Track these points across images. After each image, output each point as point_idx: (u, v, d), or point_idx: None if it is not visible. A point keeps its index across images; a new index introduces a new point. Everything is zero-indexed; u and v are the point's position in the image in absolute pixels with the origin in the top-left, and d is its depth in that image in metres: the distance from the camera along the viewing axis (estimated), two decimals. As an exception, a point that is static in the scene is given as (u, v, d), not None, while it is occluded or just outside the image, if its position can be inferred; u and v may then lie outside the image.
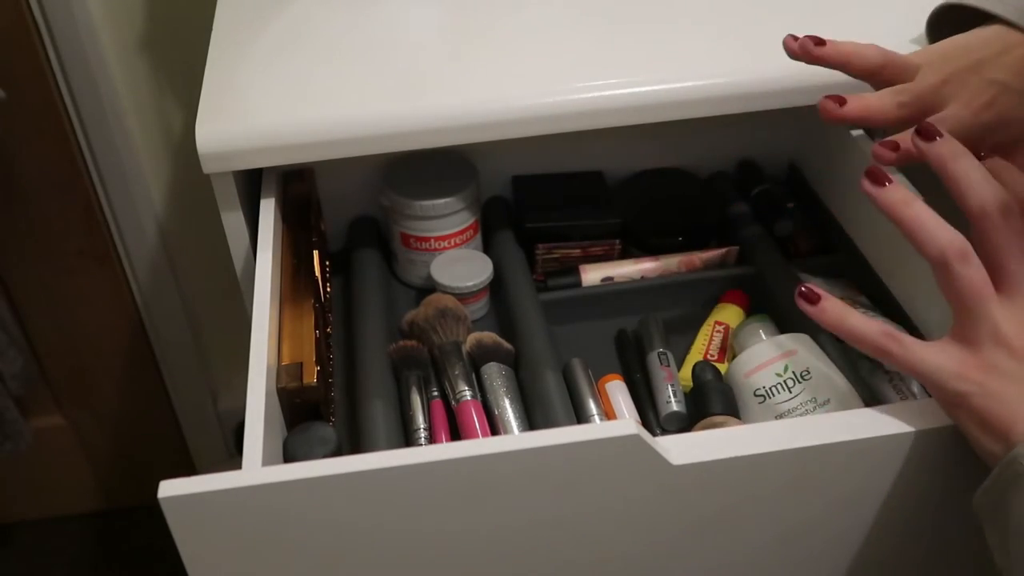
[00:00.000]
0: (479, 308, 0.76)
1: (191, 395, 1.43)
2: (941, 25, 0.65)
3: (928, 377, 0.48)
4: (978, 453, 0.47)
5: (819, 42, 0.62)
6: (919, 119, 0.56)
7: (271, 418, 0.53)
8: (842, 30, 0.63)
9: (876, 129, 0.77)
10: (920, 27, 0.70)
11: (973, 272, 0.47)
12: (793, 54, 0.62)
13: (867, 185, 0.50)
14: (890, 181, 0.50)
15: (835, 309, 0.51)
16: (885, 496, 0.52)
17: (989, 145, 0.60)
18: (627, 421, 0.46)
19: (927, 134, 0.50)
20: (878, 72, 0.61)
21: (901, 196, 0.49)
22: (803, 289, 0.52)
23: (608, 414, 0.66)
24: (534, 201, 0.81)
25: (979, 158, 0.52)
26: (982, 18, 0.61)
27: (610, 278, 0.77)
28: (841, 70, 0.62)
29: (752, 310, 0.75)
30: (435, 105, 0.67)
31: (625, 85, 0.67)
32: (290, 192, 0.73)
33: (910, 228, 0.48)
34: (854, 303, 0.71)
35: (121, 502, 1.51)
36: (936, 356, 0.47)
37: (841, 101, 0.60)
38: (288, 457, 0.55)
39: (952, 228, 0.48)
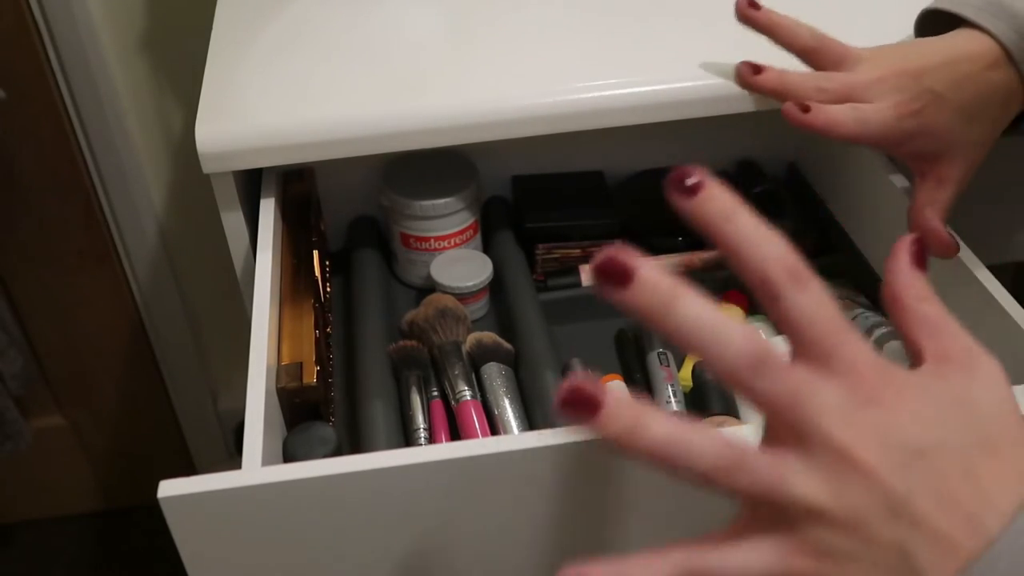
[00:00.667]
0: (479, 308, 0.76)
1: (191, 395, 1.43)
2: (926, 28, 0.65)
3: None
4: None
5: (753, 4, 0.62)
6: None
7: (271, 418, 0.53)
8: (840, 33, 0.63)
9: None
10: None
11: (757, 469, 0.33)
12: (736, 13, 0.63)
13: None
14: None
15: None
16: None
17: (907, 152, 0.60)
18: (627, 421, 0.46)
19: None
20: (809, 53, 0.61)
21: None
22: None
23: (608, 414, 0.66)
24: (534, 201, 0.81)
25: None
26: (960, 23, 0.60)
27: (610, 278, 0.77)
28: (769, 38, 0.62)
29: (752, 310, 0.75)
30: (435, 105, 0.67)
31: (625, 85, 0.67)
32: (290, 192, 0.73)
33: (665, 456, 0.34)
34: (854, 303, 0.71)
35: (121, 502, 1.51)
36: (754, 560, 0.34)
37: (757, 69, 0.60)
38: (288, 457, 0.55)
39: (711, 438, 0.33)
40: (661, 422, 0.33)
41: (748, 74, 0.61)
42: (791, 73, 0.60)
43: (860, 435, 0.33)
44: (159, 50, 1.10)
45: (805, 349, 0.34)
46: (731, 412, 0.64)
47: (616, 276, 0.32)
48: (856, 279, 0.74)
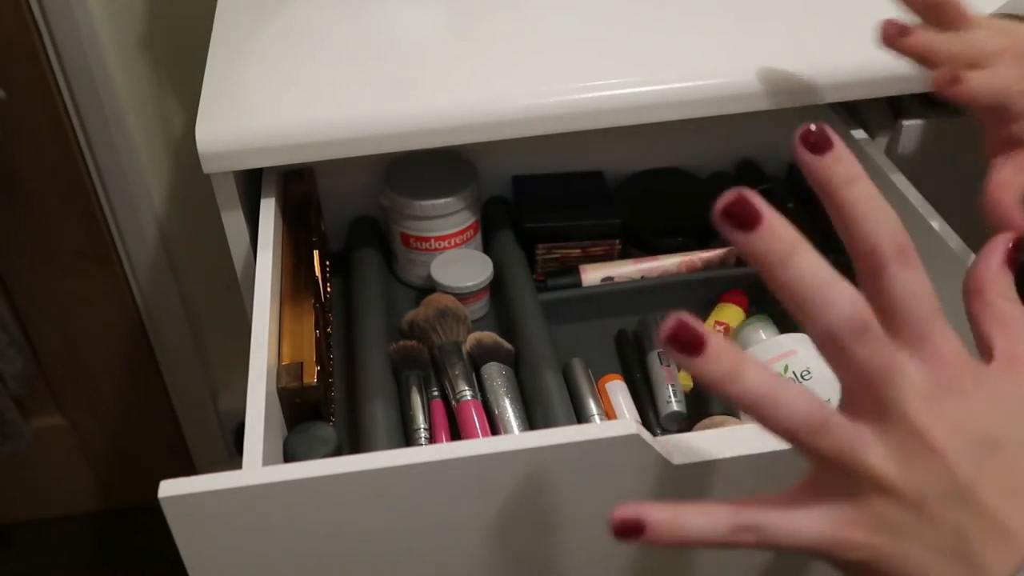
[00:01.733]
0: (479, 308, 0.76)
1: (191, 395, 1.43)
2: None
3: (806, 551, 0.36)
4: None
5: None
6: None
7: (271, 418, 0.53)
8: (841, 32, 0.63)
9: (878, 129, 0.77)
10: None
11: (839, 434, 0.34)
12: None
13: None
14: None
15: (667, 525, 0.35)
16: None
17: (1007, 132, 0.57)
18: (627, 421, 0.46)
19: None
20: (931, 8, 0.59)
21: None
22: (620, 521, 0.35)
23: (608, 414, 0.66)
24: (534, 201, 0.81)
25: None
26: None
27: (610, 278, 0.77)
28: None
29: (752, 310, 0.75)
30: (435, 105, 0.67)
31: (625, 85, 0.67)
32: (290, 192, 0.73)
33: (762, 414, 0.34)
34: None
35: (121, 502, 1.51)
36: (806, 525, 0.35)
37: (904, 30, 0.58)
38: (288, 457, 0.55)
39: (802, 396, 0.34)
40: (757, 373, 0.33)
41: (895, 35, 0.58)
42: (933, 36, 0.58)
43: (937, 419, 0.34)
44: (159, 50, 1.10)
45: (899, 327, 0.35)
46: (731, 412, 0.64)
47: (742, 218, 0.33)
48: (856, 279, 0.74)
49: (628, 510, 0.35)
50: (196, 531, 0.45)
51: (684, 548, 0.37)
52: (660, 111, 0.68)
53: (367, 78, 0.69)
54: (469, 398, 0.65)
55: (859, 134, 0.74)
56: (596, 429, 0.46)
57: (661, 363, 0.69)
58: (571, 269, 0.78)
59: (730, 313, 0.74)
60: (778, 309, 0.73)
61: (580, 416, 0.64)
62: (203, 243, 1.25)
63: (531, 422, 0.65)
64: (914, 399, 0.34)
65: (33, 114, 1.09)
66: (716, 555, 0.52)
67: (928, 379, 0.34)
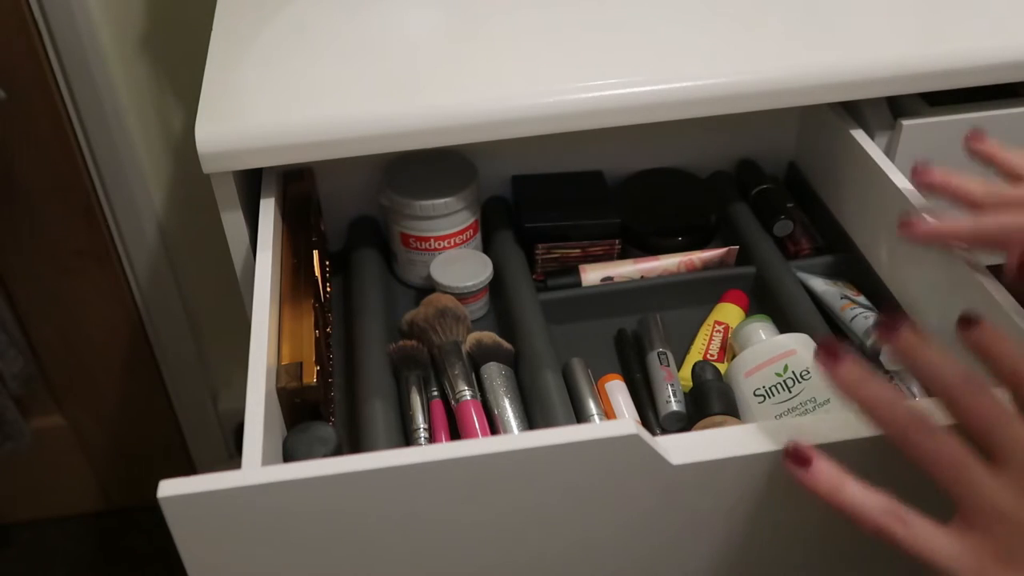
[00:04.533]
0: (479, 308, 0.76)
1: (191, 395, 1.43)
2: None
3: (940, 569, 0.42)
4: None
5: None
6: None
7: (271, 418, 0.53)
8: (841, 32, 0.63)
9: (880, 129, 0.77)
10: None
11: (942, 444, 0.41)
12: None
13: (822, 360, 0.43)
14: (841, 358, 0.43)
15: (829, 477, 0.43)
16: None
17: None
18: (627, 421, 0.46)
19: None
20: (988, 159, 0.59)
21: (855, 376, 0.43)
22: (791, 450, 0.44)
23: (608, 414, 0.66)
24: (534, 201, 0.81)
25: None
26: None
27: (610, 278, 0.77)
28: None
29: (752, 310, 0.75)
30: (435, 105, 0.67)
31: (625, 85, 0.67)
32: (290, 192, 0.73)
33: (866, 409, 0.43)
34: (854, 303, 0.71)
35: (121, 502, 1.51)
36: (949, 546, 0.41)
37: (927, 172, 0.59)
38: (288, 457, 0.55)
39: (909, 405, 0.42)
40: (872, 381, 0.42)
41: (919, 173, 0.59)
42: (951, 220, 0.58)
43: None
44: (159, 50, 1.10)
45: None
46: (731, 412, 0.64)
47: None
48: (856, 279, 0.74)
49: (804, 446, 0.44)
50: (196, 531, 0.45)
51: (832, 507, 0.43)
52: (660, 111, 0.68)
53: (367, 78, 0.69)
54: (469, 398, 0.65)
55: (859, 134, 0.74)
56: (596, 429, 0.46)
57: (661, 363, 0.69)
58: (571, 269, 0.78)
59: (730, 313, 0.74)
60: (778, 309, 0.73)
61: (580, 416, 0.64)
62: (203, 243, 1.25)
63: (531, 422, 0.65)
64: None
65: (33, 114, 1.09)
66: (718, 568, 0.52)
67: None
